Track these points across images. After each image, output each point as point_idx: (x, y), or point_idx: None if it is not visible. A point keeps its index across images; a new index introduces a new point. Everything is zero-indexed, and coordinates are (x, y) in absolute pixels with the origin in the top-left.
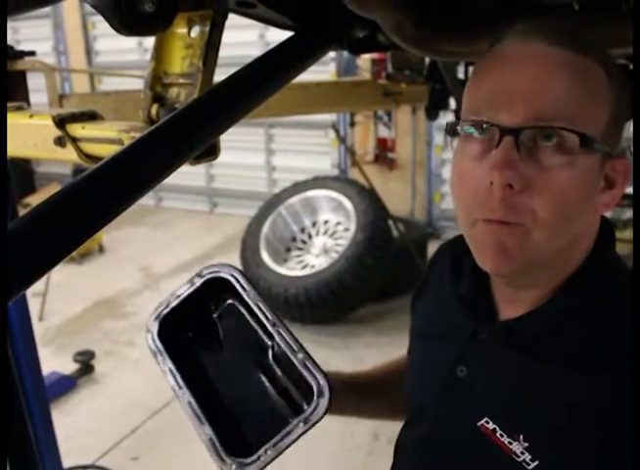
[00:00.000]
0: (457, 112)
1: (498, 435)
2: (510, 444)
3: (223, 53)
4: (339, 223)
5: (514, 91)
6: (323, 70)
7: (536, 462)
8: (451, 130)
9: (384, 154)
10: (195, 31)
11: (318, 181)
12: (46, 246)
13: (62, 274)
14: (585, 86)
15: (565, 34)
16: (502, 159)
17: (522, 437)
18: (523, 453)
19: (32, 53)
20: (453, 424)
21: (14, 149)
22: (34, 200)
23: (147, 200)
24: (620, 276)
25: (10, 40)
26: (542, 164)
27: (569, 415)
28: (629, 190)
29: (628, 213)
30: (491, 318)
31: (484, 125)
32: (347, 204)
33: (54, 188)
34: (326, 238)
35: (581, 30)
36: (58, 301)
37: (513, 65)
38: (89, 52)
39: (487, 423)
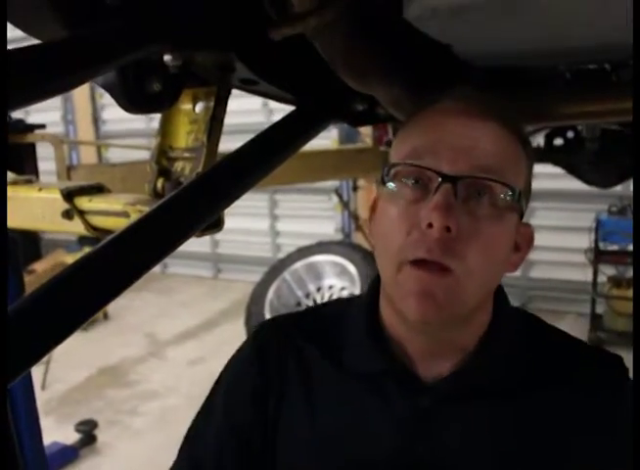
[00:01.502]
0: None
1: None
2: None
3: (228, 120)
4: (343, 288)
5: (453, 142)
6: (325, 136)
7: None
8: (388, 173)
9: None
10: (199, 107)
11: (322, 246)
12: (52, 325)
13: (66, 342)
14: (512, 148)
15: (492, 102)
16: (442, 202)
17: None
18: None
19: (42, 126)
20: None
21: (23, 221)
22: (40, 266)
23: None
24: (527, 314)
25: (20, 111)
26: (476, 215)
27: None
28: (630, 247)
29: (632, 272)
30: (417, 384)
31: (425, 171)
32: (352, 268)
33: (59, 255)
34: None
35: (506, 105)
36: (61, 368)
37: (453, 120)
38: (97, 121)
39: None
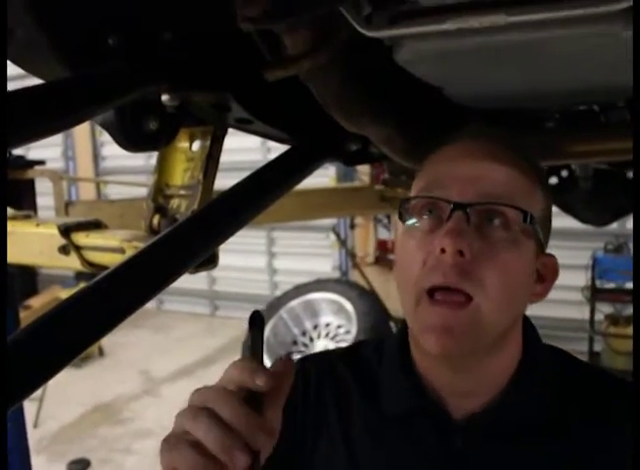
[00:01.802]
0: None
1: None
2: None
3: (226, 158)
4: (340, 326)
5: (463, 174)
6: (323, 174)
7: None
8: (403, 208)
9: (384, 255)
10: (196, 145)
11: (319, 284)
12: (44, 358)
13: (60, 378)
14: (523, 179)
15: (504, 139)
16: (454, 227)
17: None
18: None
19: (42, 162)
20: None
21: (20, 256)
22: (36, 302)
23: (148, 303)
24: (559, 350)
25: (21, 148)
26: (490, 240)
27: None
28: (629, 285)
29: (629, 310)
30: (449, 423)
31: (437, 202)
32: (349, 306)
33: (56, 290)
34: (327, 341)
35: (517, 139)
36: (54, 405)
37: (463, 155)
38: (96, 157)
39: None
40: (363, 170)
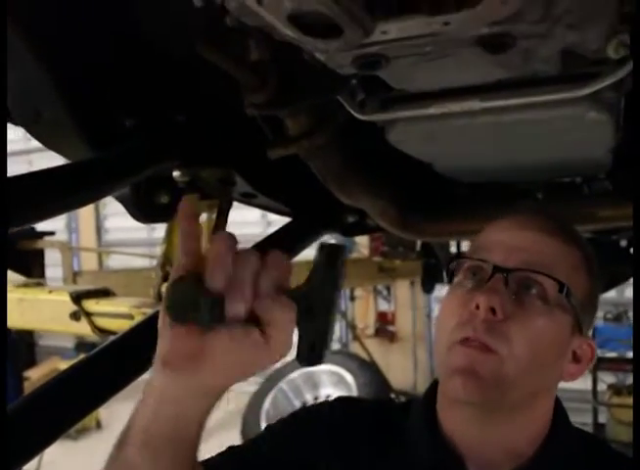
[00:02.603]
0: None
1: None
2: None
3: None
4: None
5: (508, 242)
6: None
7: None
8: (450, 267)
9: (384, 327)
10: (203, 218)
11: None
12: (39, 429)
13: (56, 451)
14: (567, 256)
15: (557, 219)
16: (491, 287)
17: None
18: None
19: (52, 233)
20: None
21: (31, 322)
22: (34, 374)
23: (145, 374)
24: (591, 435)
25: None
26: (524, 306)
27: None
28: (630, 354)
29: (631, 379)
30: None
31: (481, 265)
32: (349, 378)
33: (54, 362)
34: None
35: (568, 222)
36: None
37: (512, 226)
38: (99, 230)
39: None
40: (362, 243)
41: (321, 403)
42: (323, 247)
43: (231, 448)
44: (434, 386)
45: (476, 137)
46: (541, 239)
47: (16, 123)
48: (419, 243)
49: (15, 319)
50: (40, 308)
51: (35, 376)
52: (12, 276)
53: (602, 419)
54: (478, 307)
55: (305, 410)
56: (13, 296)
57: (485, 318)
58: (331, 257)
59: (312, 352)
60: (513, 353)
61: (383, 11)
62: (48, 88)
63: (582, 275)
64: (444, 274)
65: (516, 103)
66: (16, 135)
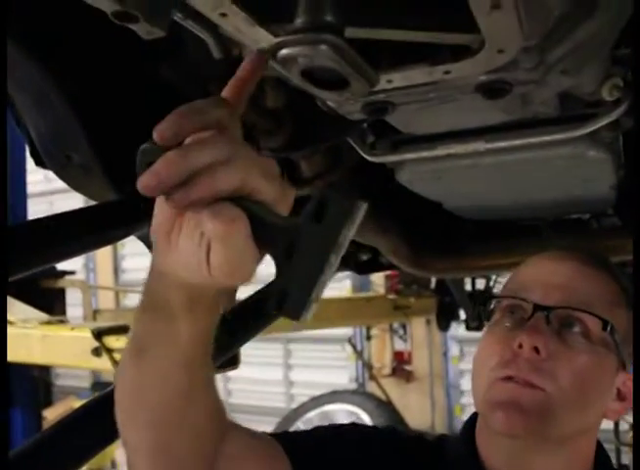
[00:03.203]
0: (467, 321)
1: None
2: None
3: None
4: None
5: (548, 280)
6: (339, 287)
7: None
8: (488, 306)
9: (401, 366)
10: None
11: (336, 395)
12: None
13: None
14: (607, 293)
15: (597, 255)
16: (533, 326)
17: None
18: None
19: (72, 272)
20: None
21: (54, 358)
22: (51, 414)
23: None
24: None
25: None
26: (567, 344)
27: None
28: None
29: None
30: None
31: (520, 303)
32: (366, 418)
33: (71, 402)
34: None
35: (604, 256)
36: None
37: (552, 264)
38: (117, 270)
39: None
40: (378, 282)
41: (369, 427)
42: (321, 198)
43: (315, 430)
44: (472, 421)
45: (482, 176)
46: (580, 275)
47: (45, 167)
48: (433, 280)
49: (38, 356)
50: (63, 345)
51: (51, 416)
52: (35, 314)
53: (625, 460)
54: (521, 347)
55: (358, 430)
56: (36, 333)
57: (529, 358)
58: (322, 210)
59: (278, 303)
60: (559, 388)
61: (387, 63)
62: (78, 134)
63: (622, 309)
64: (460, 312)
65: (519, 143)
66: (37, 177)
